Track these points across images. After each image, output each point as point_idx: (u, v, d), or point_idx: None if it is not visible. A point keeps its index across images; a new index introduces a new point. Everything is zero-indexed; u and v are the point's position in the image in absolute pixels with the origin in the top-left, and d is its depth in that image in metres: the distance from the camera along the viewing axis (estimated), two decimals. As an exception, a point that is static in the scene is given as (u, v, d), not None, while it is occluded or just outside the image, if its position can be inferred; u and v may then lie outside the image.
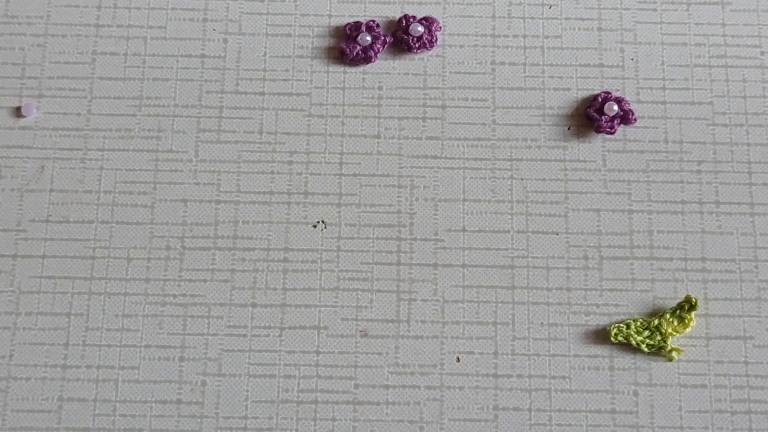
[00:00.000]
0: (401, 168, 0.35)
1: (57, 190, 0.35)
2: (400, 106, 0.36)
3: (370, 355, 0.33)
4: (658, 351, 0.33)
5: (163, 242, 0.34)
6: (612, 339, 0.33)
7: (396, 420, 0.32)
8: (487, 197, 0.35)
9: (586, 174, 0.35)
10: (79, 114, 0.36)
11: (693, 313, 0.33)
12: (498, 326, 0.33)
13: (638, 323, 0.33)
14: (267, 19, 0.37)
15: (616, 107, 0.35)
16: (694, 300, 0.33)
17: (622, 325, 0.33)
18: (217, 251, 0.34)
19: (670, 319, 0.32)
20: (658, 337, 0.32)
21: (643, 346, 0.32)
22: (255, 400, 0.33)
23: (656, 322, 0.33)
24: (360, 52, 0.36)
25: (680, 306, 0.33)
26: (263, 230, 0.35)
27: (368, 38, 0.36)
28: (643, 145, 0.35)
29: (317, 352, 0.33)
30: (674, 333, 0.33)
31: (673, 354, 0.33)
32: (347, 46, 0.36)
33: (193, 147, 0.36)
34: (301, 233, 0.34)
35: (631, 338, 0.33)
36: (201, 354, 0.33)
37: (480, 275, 0.34)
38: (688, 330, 0.33)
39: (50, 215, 0.35)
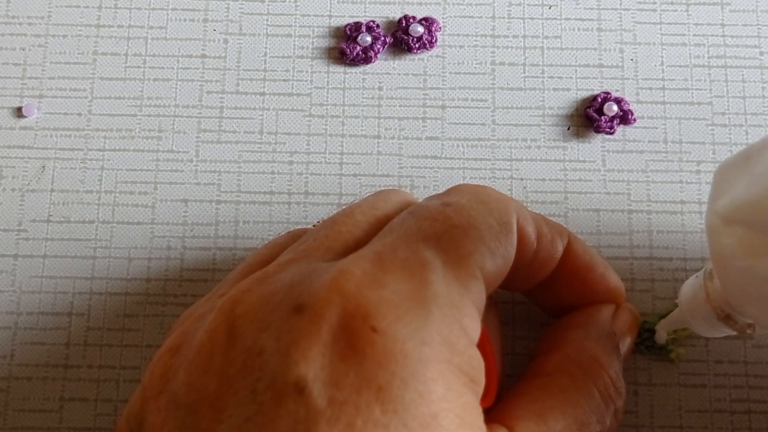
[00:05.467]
0: (401, 168, 0.35)
1: (58, 190, 0.35)
2: (400, 106, 0.36)
3: (370, 354, 0.33)
4: (659, 353, 0.32)
5: (164, 242, 0.34)
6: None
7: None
8: (487, 197, 0.35)
9: (585, 174, 0.35)
10: (80, 114, 0.36)
11: None
12: (498, 326, 0.33)
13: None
14: (267, 20, 0.37)
15: (615, 107, 0.35)
16: None
17: None
18: (218, 251, 0.34)
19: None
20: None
21: (642, 348, 0.32)
22: (255, 400, 0.33)
23: (655, 326, 0.32)
24: (360, 52, 0.36)
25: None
26: (264, 230, 0.35)
27: (368, 39, 0.36)
28: (642, 145, 0.36)
29: (318, 352, 0.33)
30: (674, 336, 0.32)
31: (673, 356, 0.32)
32: (347, 46, 0.36)
33: (194, 147, 0.36)
34: (302, 233, 0.34)
35: None
36: (202, 354, 0.33)
37: (480, 275, 0.34)
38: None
39: (51, 215, 0.35)
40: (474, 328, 0.24)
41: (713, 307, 0.28)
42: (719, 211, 0.25)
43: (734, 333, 0.29)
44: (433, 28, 0.37)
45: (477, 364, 0.24)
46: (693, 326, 0.30)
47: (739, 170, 0.25)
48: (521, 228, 0.27)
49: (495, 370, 0.27)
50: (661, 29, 0.37)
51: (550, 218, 0.31)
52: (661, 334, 0.32)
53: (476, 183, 0.34)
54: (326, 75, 0.37)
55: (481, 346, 0.25)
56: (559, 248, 0.29)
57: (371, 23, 0.37)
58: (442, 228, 0.25)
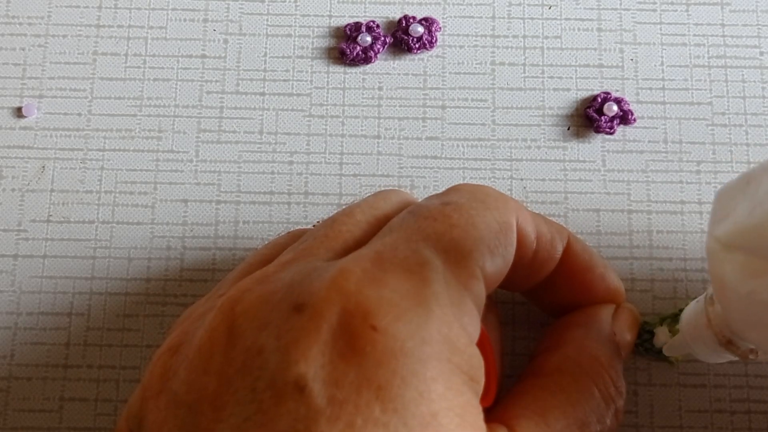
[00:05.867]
0: (401, 168, 0.35)
1: (58, 190, 0.35)
2: (400, 106, 0.36)
3: (370, 354, 0.33)
4: (658, 355, 0.32)
5: (164, 242, 0.34)
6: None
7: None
8: (487, 197, 0.35)
9: (585, 174, 0.35)
10: (79, 114, 0.36)
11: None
12: (498, 326, 0.33)
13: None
14: (267, 20, 0.37)
15: (615, 107, 0.35)
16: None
17: None
18: (218, 251, 0.34)
19: (663, 328, 0.32)
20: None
21: (642, 350, 0.32)
22: (255, 400, 0.33)
23: (655, 328, 0.32)
24: (360, 52, 0.36)
25: (673, 315, 0.32)
26: (264, 230, 0.35)
27: (368, 39, 0.36)
28: (642, 145, 0.36)
29: (318, 352, 0.33)
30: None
31: (672, 359, 0.32)
32: (347, 46, 0.36)
33: (194, 147, 0.36)
34: (302, 233, 0.34)
35: None
36: (202, 354, 0.33)
37: (480, 275, 0.34)
38: None
39: (51, 215, 0.35)
40: (474, 327, 0.24)
41: (714, 333, 0.28)
42: (719, 237, 0.24)
43: (736, 359, 0.28)
44: (433, 28, 0.37)
45: (477, 362, 0.24)
46: (695, 351, 0.29)
47: (738, 194, 0.25)
48: (520, 228, 0.27)
49: (494, 369, 0.27)
50: (661, 29, 0.37)
51: (550, 218, 0.31)
52: (660, 337, 0.32)
53: (476, 183, 0.34)
54: (326, 75, 0.37)
55: (481, 345, 0.25)
56: (559, 248, 0.29)
57: (371, 23, 0.37)
58: (442, 227, 0.26)
